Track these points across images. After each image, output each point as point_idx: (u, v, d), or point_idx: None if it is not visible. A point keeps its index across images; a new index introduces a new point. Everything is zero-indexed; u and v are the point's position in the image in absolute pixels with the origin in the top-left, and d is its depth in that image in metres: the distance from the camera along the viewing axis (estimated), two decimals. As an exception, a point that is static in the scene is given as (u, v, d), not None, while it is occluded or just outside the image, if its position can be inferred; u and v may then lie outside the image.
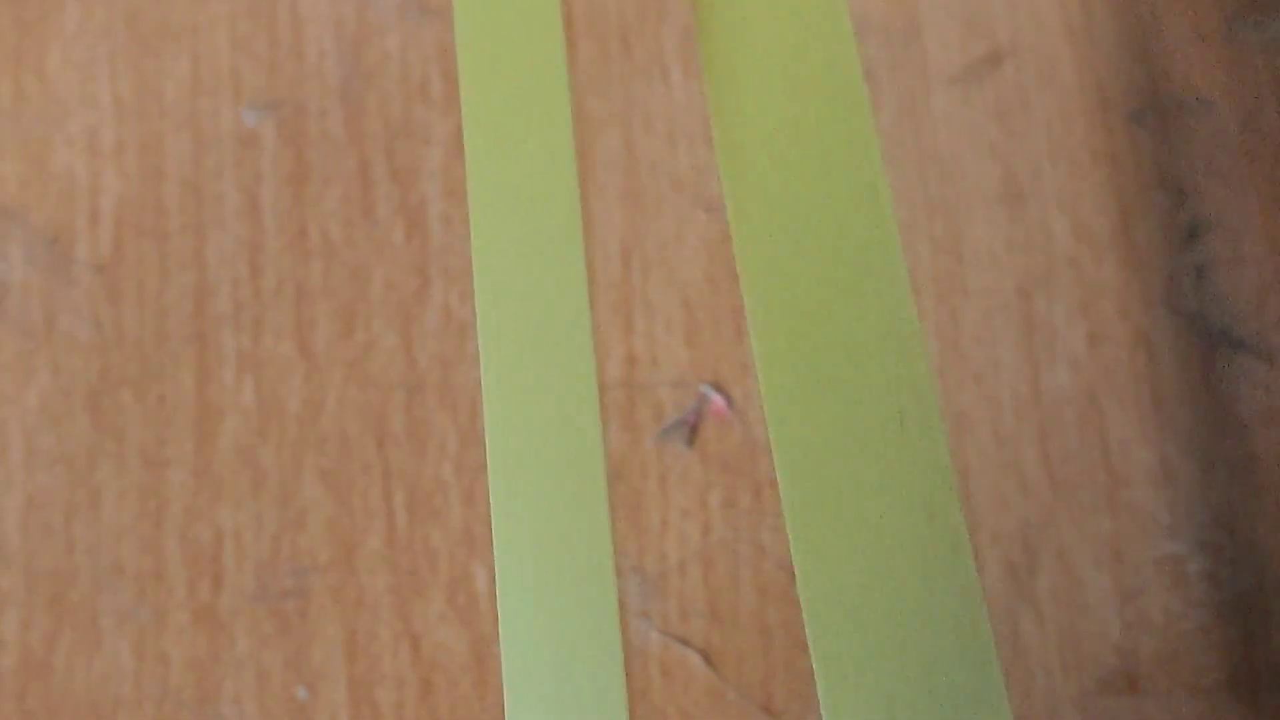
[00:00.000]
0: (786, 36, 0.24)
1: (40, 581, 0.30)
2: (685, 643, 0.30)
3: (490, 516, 0.24)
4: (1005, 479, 0.31)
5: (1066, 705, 0.29)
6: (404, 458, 0.31)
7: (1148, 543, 0.30)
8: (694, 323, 0.32)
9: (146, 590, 0.30)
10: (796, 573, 0.22)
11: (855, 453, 0.22)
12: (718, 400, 0.31)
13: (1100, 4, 0.34)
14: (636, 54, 0.33)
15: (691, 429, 0.31)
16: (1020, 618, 0.30)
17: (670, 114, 0.33)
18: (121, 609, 0.30)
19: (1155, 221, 0.33)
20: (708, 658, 0.30)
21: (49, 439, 0.31)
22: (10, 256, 0.32)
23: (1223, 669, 0.30)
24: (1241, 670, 0.30)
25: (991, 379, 0.31)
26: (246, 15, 0.33)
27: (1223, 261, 0.32)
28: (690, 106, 0.33)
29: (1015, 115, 0.33)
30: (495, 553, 0.24)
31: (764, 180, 0.24)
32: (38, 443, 0.31)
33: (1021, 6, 0.34)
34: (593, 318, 0.23)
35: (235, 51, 0.33)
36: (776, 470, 0.22)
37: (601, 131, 0.33)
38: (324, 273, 0.32)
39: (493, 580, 0.30)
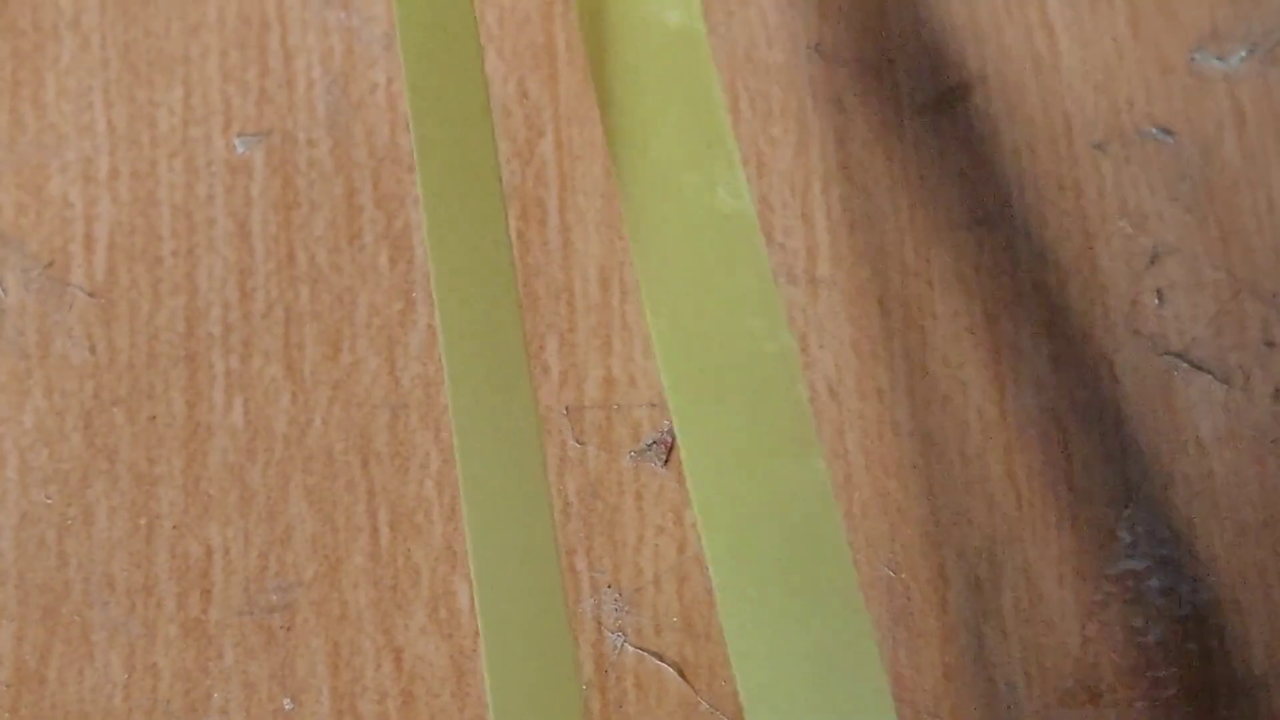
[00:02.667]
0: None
1: (33, 596, 0.31)
2: (659, 657, 0.31)
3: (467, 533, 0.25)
4: (971, 497, 0.32)
5: (1029, 717, 0.30)
6: (387, 475, 0.32)
7: (1109, 559, 0.31)
8: (670, 345, 0.33)
9: (137, 604, 0.31)
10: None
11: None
12: (694, 420, 0.32)
13: (1066, 36, 0.35)
14: (616, 84, 0.34)
15: (667, 448, 0.32)
16: (985, 632, 0.31)
17: (648, 142, 0.34)
18: (113, 622, 0.31)
19: (1118, 247, 0.33)
20: (681, 671, 0.31)
21: (43, 457, 0.32)
22: (6, 281, 0.33)
23: (1181, 682, 0.31)
24: (1200, 683, 0.31)
25: (959, 399, 0.32)
26: (237, 47, 0.34)
27: (1183, 286, 0.33)
28: (667, 135, 0.34)
29: (984, 144, 0.34)
30: (472, 570, 0.25)
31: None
32: (32, 461, 0.32)
33: (990, 38, 0.35)
34: (526, 339, 0.24)
35: (226, 82, 0.34)
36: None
37: (582, 159, 0.34)
38: (311, 296, 0.33)
39: (473, 595, 0.31)
